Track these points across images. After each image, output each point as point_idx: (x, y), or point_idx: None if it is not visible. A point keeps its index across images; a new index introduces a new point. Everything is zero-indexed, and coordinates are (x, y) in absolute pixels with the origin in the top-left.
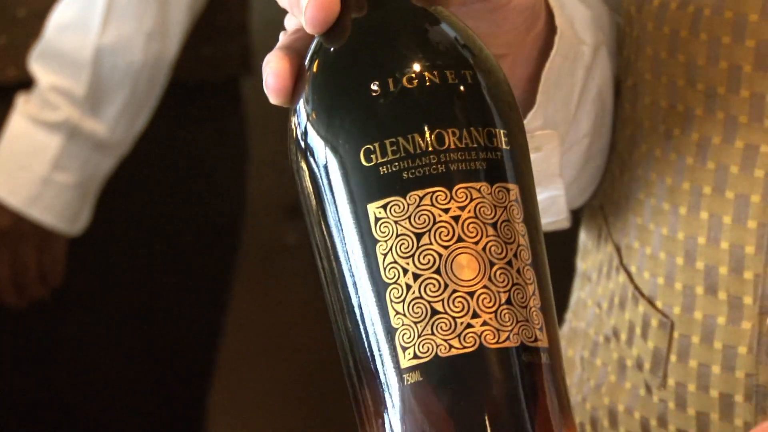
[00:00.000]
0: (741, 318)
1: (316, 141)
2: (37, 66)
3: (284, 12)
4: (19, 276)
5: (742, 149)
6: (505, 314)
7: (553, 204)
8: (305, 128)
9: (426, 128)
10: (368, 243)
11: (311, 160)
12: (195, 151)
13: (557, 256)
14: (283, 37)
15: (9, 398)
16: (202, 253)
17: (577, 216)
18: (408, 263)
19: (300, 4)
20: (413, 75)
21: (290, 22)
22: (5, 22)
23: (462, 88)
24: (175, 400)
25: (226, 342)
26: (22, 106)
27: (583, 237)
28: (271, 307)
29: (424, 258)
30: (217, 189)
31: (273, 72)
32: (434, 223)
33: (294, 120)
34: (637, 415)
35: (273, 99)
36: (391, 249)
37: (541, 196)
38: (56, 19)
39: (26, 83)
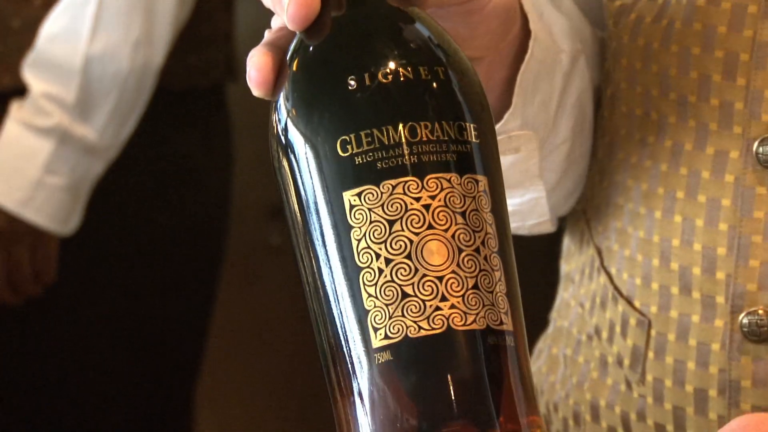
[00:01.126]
0: (714, 316)
1: (295, 135)
2: (29, 74)
3: (267, 21)
4: (13, 274)
5: (712, 155)
6: (472, 298)
7: (536, 206)
8: (285, 123)
9: (399, 121)
10: (343, 229)
11: (290, 154)
12: (182, 154)
13: (543, 258)
14: (267, 34)
15: (6, 390)
16: (189, 252)
17: (562, 221)
18: (380, 248)
19: (282, 2)
20: (388, 71)
21: (275, 22)
22: (2, 31)
23: (434, 83)
24: (162, 396)
25: (212, 339)
26: (16, 112)
27: (567, 240)
28: (255, 305)
29: (396, 244)
30: (203, 191)
31: (255, 66)
32: (406, 210)
33: (275, 116)
34: (618, 410)
35: (255, 92)
36: (364, 235)
37: (524, 198)
38: (47, 30)
39: (20, 90)
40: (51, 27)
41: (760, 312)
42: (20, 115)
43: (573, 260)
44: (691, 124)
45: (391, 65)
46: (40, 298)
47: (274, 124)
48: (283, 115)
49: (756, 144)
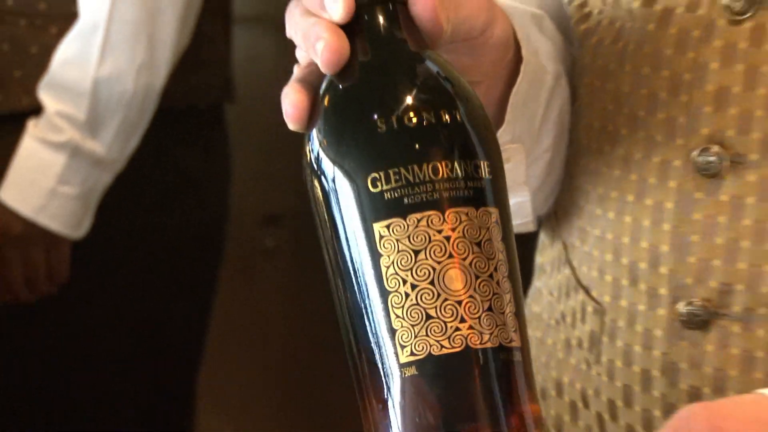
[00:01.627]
0: (657, 306)
1: (328, 167)
2: (44, 95)
3: (261, 47)
4: (30, 274)
5: (658, 163)
6: (486, 319)
7: (520, 209)
8: (318, 154)
9: (424, 161)
10: (373, 256)
11: (323, 180)
12: (184, 166)
13: (521, 250)
14: (297, 70)
15: (15, 381)
16: (190, 255)
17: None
18: (407, 275)
19: (315, 47)
20: (412, 114)
21: (301, 55)
22: (20, 57)
23: (453, 126)
24: (165, 389)
25: (212, 335)
26: (32, 129)
27: (542, 236)
28: (251, 301)
29: (420, 271)
30: (204, 200)
31: (291, 103)
32: (429, 241)
33: (308, 146)
34: (578, 386)
35: (292, 126)
36: (392, 263)
37: (511, 201)
38: (60, 55)
39: (37, 110)
40: (64, 53)
41: (696, 303)
42: (36, 131)
43: (546, 253)
44: (641, 135)
45: (415, 109)
46: (53, 296)
47: (308, 154)
48: (316, 146)
49: (695, 154)
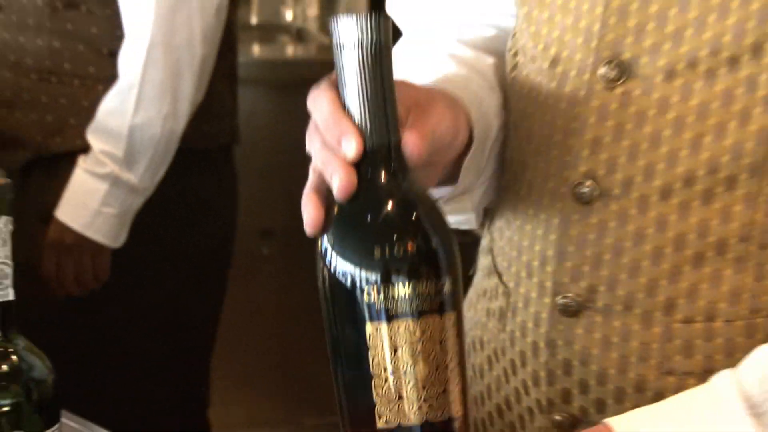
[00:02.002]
0: (544, 295)
1: (332, 264)
2: (91, 137)
3: (262, 103)
4: (79, 275)
5: (550, 189)
6: (441, 399)
7: (466, 222)
8: (326, 251)
9: (405, 281)
10: (362, 347)
11: (330, 271)
12: (200, 193)
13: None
14: (312, 176)
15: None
16: (204, 262)
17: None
18: (387, 365)
19: (332, 179)
20: (398, 245)
21: (310, 144)
22: (75, 109)
23: (428, 254)
24: (181, 374)
25: (221, 327)
26: (82, 163)
27: (483, 232)
28: (253, 300)
29: (398, 362)
30: (216, 220)
31: (310, 218)
32: (405, 341)
33: (320, 244)
34: (492, 346)
35: (310, 233)
36: (377, 354)
37: (458, 219)
38: (104, 107)
39: (86, 149)
40: (106, 105)
41: (570, 297)
42: (85, 165)
43: (484, 240)
44: (541, 166)
45: (401, 241)
46: (97, 292)
47: (320, 249)
48: (326, 245)
49: (575, 185)
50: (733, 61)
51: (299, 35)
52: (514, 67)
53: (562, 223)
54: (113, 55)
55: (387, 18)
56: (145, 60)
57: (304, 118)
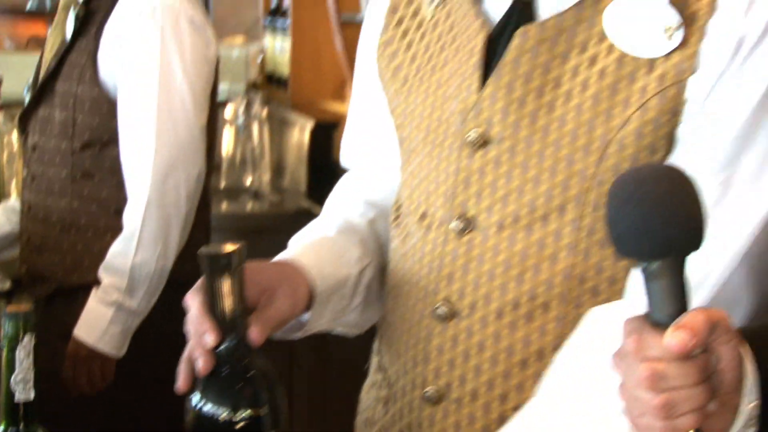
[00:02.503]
0: (415, 388)
1: (196, 413)
2: (102, 273)
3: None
4: (91, 378)
5: (419, 309)
6: None
7: (350, 332)
8: (193, 404)
9: None
10: None
11: (194, 417)
12: (184, 315)
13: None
14: (190, 343)
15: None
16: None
17: None
18: None
19: (197, 362)
20: (242, 410)
21: (192, 337)
22: (89, 252)
23: (263, 423)
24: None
25: None
26: (94, 293)
27: (374, 344)
28: None
29: None
30: None
31: (182, 380)
32: None
33: (190, 400)
34: (378, 425)
35: (179, 391)
36: None
37: (344, 329)
38: (111, 250)
39: (98, 282)
40: (113, 249)
41: (431, 390)
42: (97, 294)
43: (375, 345)
44: (413, 292)
45: (240, 409)
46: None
47: (189, 400)
48: (192, 401)
49: (435, 308)
50: (545, 218)
51: (256, 195)
52: (396, 218)
53: (427, 336)
54: (119, 212)
55: (238, 251)
56: (143, 215)
57: (261, 255)
